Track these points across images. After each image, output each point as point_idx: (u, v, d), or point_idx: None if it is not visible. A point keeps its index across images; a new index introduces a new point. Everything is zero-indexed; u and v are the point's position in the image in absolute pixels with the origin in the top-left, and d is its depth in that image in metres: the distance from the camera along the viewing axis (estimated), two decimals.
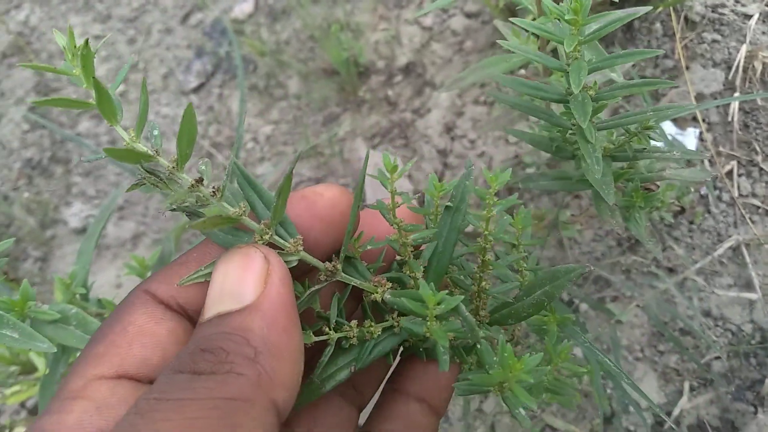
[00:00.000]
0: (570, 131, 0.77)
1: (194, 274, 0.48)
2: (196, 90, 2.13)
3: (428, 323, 0.48)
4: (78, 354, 0.45)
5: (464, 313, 0.49)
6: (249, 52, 2.07)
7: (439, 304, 0.46)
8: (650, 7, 0.99)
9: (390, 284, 0.52)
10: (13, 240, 0.72)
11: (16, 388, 1.35)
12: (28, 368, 1.42)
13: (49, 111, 2.31)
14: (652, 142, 1.21)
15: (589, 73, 0.65)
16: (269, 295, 0.44)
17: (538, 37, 1.11)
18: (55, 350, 0.66)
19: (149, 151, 0.45)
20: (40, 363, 1.38)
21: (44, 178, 2.16)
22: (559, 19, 0.61)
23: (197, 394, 0.38)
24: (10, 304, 0.70)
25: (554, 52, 0.97)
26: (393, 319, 0.53)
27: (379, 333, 0.52)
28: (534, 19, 1.00)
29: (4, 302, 0.70)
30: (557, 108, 0.81)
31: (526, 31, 1.12)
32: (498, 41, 0.65)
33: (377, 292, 0.51)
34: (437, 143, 1.71)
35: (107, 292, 1.86)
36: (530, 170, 1.48)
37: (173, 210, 0.46)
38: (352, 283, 0.51)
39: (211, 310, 0.44)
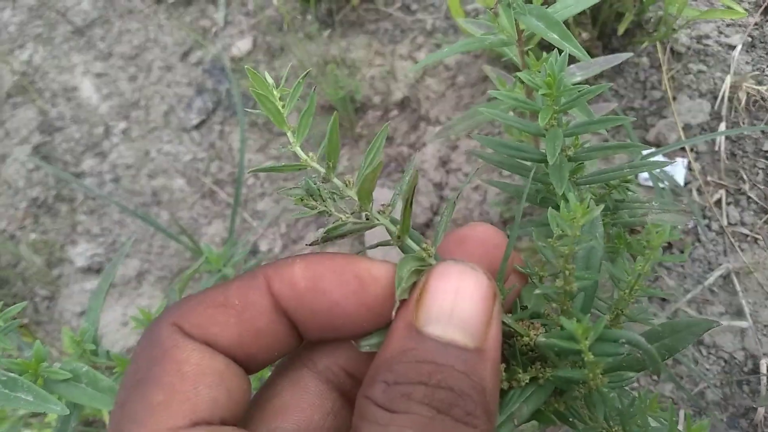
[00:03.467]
0: (552, 185, 0.81)
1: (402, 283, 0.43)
2: (198, 127, 2.18)
3: (584, 357, 0.44)
4: (124, 401, 0.40)
5: (642, 343, 0.45)
6: (248, 89, 2.12)
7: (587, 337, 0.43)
8: (630, 54, 1.03)
9: (543, 328, 0.48)
10: (25, 304, 0.76)
11: None
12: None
13: (53, 149, 2.36)
14: (642, 177, 1.24)
15: (565, 137, 0.69)
16: (496, 342, 0.41)
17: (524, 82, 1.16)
18: (68, 412, 0.69)
19: (313, 162, 0.48)
20: None
21: (50, 217, 2.21)
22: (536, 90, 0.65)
23: None
24: (24, 366, 0.74)
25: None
26: (537, 369, 0.49)
27: (527, 381, 0.48)
28: (518, 70, 1.04)
29: (18, 365, 0.74)
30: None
31: (513, 77, 1.16)
32: (490, 91, 0.69)
33: (529, 336, 0.48)
34: (433, 177, 1.75)
35: (114, 331, 1.90)
36: (524, 205, 1.51)
37: (330, 233, 0.47)
38: (507, 323, 0.47)
39: (435, 327, 0.40)
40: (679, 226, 1.27)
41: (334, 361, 0.47)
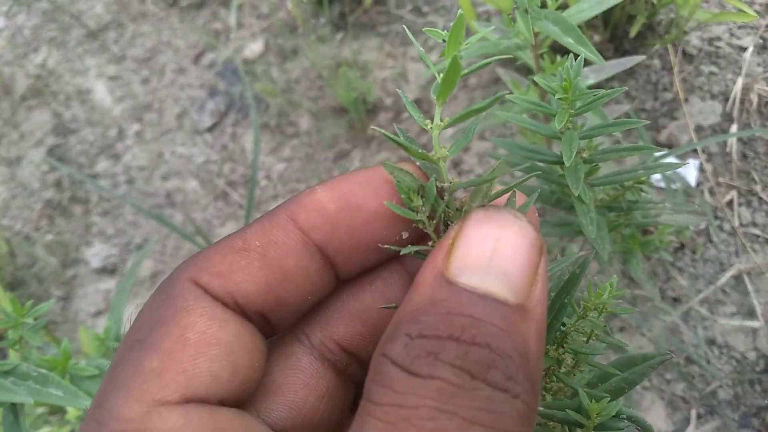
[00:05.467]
0: (567, 186, 0.82)
1: None
2: (210, 129, 2.20)
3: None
4: (117, 363, 0.35)
5: (641, 419, 0.46)
6: (260, 92, 2.14)
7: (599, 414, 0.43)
8: (643, 57, 1.05)
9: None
10: (53, 302, 0.78)
11: (46, 429, 1.40)
12: (55, 409, 1.48)
13: (68, 151, 2.39)
14: (654, 178, 1.25)
15: (581, 139, 0.70)
16: (543, 303, 0.34)
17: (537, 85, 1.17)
18: None
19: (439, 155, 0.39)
20: None
21: (64, 218, 2.23)
22: (552, 94, 0.67)
23: (477, 417, 0.30)
24: (53, 363, 0.76)
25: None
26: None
27: None
28: (532, 73, 1.05)
29: (48, 361, 0.76)
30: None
31: (527, 80, 1.18)
32: (507, 94, 0.70)
33: None
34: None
35: (126, 328, 1.92)
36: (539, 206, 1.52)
37: (418, 256, 0.39)
38: None
39: (470, 277, 0.33)
40: (691, 227, 1.28)
41: (329, 335, 0.42)
